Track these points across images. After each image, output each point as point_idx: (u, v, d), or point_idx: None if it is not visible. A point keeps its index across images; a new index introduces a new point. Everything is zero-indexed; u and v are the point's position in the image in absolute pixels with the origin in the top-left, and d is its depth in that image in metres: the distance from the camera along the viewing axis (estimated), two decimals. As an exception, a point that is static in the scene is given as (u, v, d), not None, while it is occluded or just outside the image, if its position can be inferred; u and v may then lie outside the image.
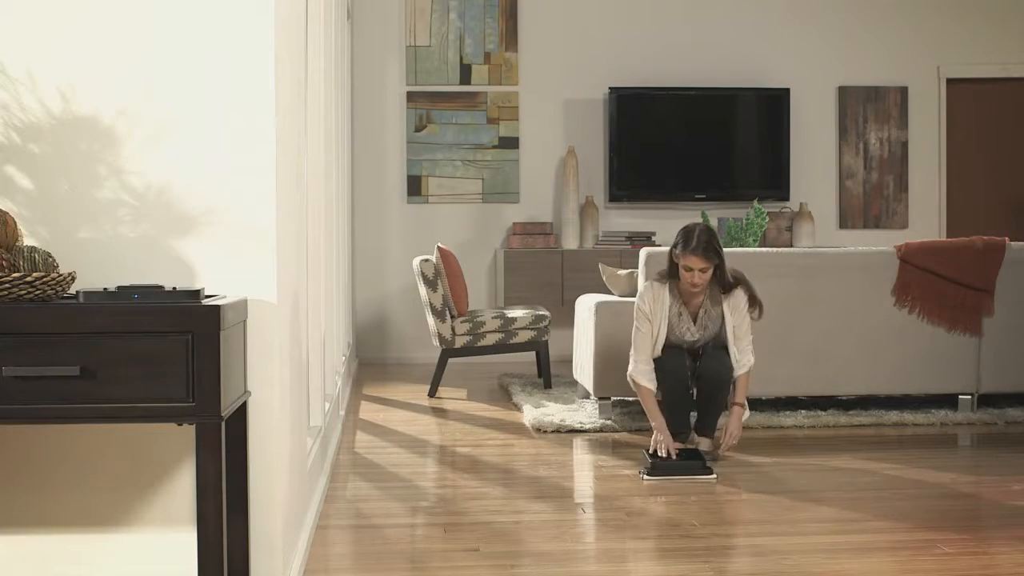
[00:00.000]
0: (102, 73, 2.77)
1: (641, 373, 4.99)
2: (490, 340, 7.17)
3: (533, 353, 7.94)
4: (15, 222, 2.54)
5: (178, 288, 2.52)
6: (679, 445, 4.90)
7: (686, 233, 4.91)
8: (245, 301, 2.75)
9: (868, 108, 9.48)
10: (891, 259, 6.07)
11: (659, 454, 4.77)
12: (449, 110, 9.14)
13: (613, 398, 5.95)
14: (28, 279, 2.37)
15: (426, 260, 7.11)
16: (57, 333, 2.33)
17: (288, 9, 3.17)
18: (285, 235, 3.01)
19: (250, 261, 2.80)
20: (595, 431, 5.70)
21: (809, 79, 9.48)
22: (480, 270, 9.18)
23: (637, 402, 6.27)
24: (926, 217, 9.57)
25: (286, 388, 3.04)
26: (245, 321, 2.75)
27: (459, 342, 7.13)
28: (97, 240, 2.77)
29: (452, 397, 7.03)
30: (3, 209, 2.58)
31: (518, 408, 6.45)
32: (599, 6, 9.30)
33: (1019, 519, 3.93)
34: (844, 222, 9.50)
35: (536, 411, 6.08)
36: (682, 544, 3.63)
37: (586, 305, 6.19)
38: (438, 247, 7.19)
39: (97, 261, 2.77)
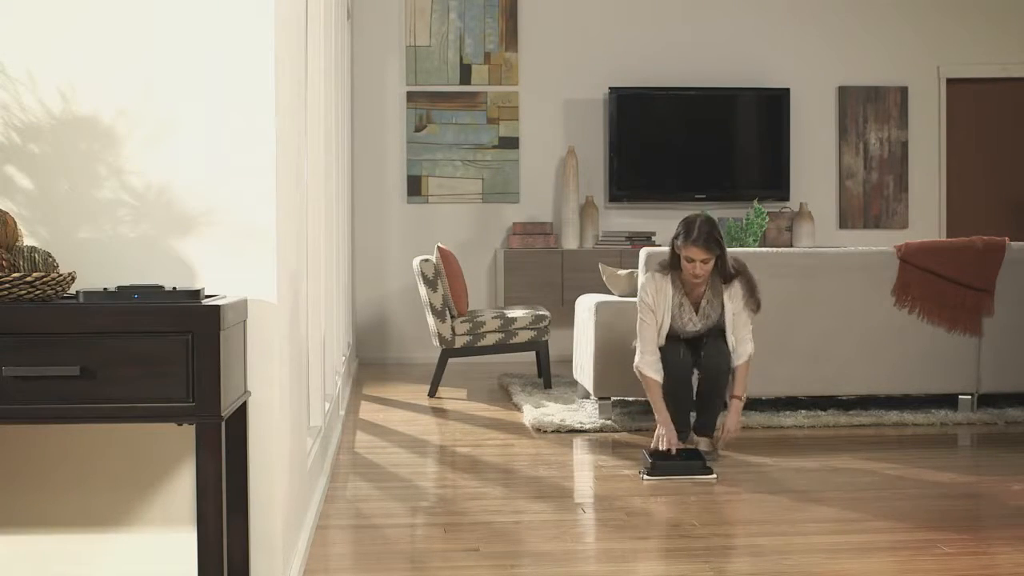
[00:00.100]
0: (102, 73, 2.77)
1: (647, 364, 4.98)
2: (490, 340, 7.17)
3: (533, 353, 7.94)
4: (15, 222, 2.54)
5: (178, 288, 2.52)
6: (680, 445, 4.90)
7: (687, 224, 4.90)
8: (245, 301, 2.75)
9: (868, 108, 9.48)
10: (891, 259, 6.07)
11: (660, 448, 4.77)
12: (449, 110, 9.14)
13: (613, 398, 5.95)
14: (28, 279, 2.37)
15: (426, 260, 7.11)
16: (57, 333, 2.33)
17: (288, 9, 3.17)
18: (285, 235, 3.01)
19: (250, 261, 2.80)
20: (595, 431, 5.70)
21: (809, 79, 9.48)
22: (480, 270, 9.18)
23: (637, 402, 6.27)
24: (926, 217, 9.57)
25: (286, 388, 3.04)
26: (245, 321, 2.75)
27: (459, 342, 7.13)
28: (97, 240, 2.77)
29: (452, 397, 7.03)
30: (3, 209, 2.58)
31: (518, 408, 6.45)
32: (599, 6, 9.30)
33: (1019, 519, 3.93)
34: (844, 222, 9.50)
35: (536, 411, 6.08)
36: (682, 544, 3.63)
37: (586, 305, 6.19)
38: (438, 247, 7.19)
39: (97, 261, 2.77)
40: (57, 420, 2.35)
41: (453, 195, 9.16)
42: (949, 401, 6.25)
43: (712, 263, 4.90)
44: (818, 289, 6.02)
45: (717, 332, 5.06)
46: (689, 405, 5.10)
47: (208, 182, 2.79)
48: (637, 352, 5.03)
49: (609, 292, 6.44)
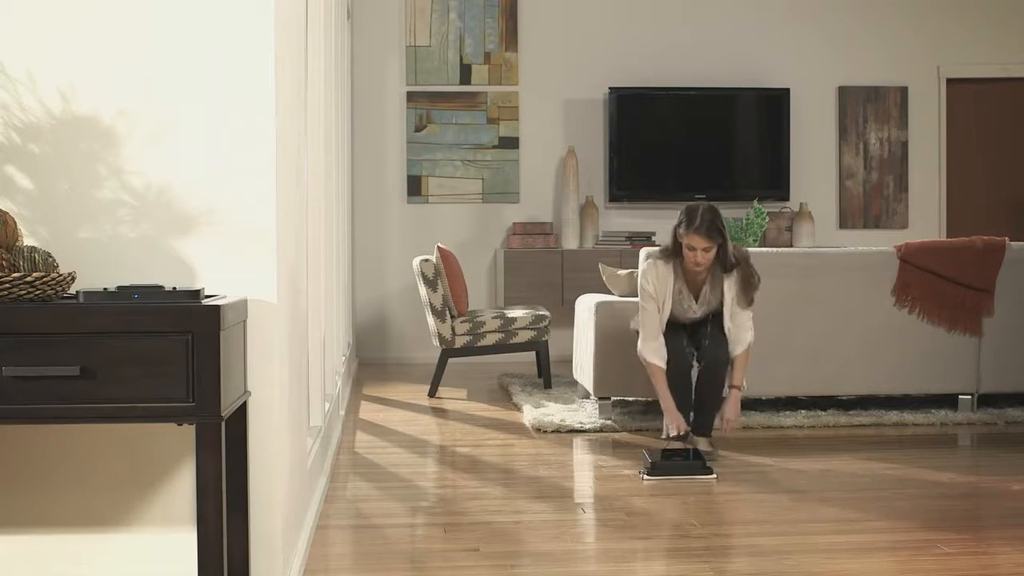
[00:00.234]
0: (102, 73, 2.77)
1: (651, 351, 4.98)
2: (490, 340, 7.17)
3: (533, 353, 7.94)
4: (15, 222, 2.54)
5: (178, 288, 2.52)
6: (687, 428, 4.93)
7: (690, 212, 4.87)
8: (245, 301, 2.75)
9: (868, 108, 9.48)
10: (891, 259, 6.07)
11: (671, 435, 4.79)
12: (449, 110, 9.14)
13: (613, 398, 5.96)
14: (28, 279, 2.37)
15: (426, 260, 7.11)
16: (57, 333, 2.33)
17: (288, 9, 3.17)
18: (285, 235, 3.01)
19: (250, 261, 2.80)
20: (595, 431, 5.70)
21: (809, 79, 9.48)
22: (480, 270, 9.18)
23: (637, 402, 6.28)
24: (926, 217, 9.57)
25: (286, 388, 3.04)
26: (245, 321, 2.75)
27: (459, 342, 7.13)
28: (97, 240, 2.77)
29: (452, 397, 7.02)
30: (3, 209, 2.58)
31: (518, 408, 6.45)
32: (599, 6, 9.30)
33: (1019, 519, 3.93)
34: (844, 222, 9.50)
35: (536, 411, 6.08)
36: (682, 544, 3.63)
37: (586, 305, 6.19)
38: (438, 247, 7.19)
39: (97, 261, 2.77)
40: (57, 420, 2.35)
41: (453, 195, 9.16)
42: (949, 401, 6.25)
43: (713, 252, 4.88)
44: (818, 289, 6.02)
45: (719, 322, 5.05)
46: (688, 400, 5.09)
47: (208, 182, 2.79)
48: (640, 339, 5.02)
49: (609, 292, 6.44)
